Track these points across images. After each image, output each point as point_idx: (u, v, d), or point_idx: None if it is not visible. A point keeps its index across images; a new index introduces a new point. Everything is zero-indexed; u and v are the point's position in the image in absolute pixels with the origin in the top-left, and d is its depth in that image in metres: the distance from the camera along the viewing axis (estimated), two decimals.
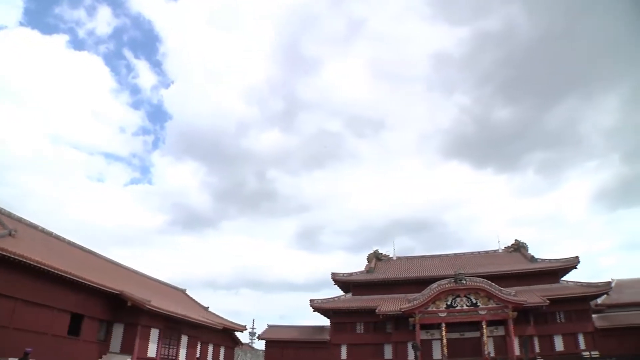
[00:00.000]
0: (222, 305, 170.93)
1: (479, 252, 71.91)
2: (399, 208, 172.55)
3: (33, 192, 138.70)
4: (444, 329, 52.60)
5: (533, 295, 54.37)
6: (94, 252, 43.34)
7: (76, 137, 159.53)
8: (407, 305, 53.42)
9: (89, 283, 30.43)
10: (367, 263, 70.64)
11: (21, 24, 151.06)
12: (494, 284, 52.99)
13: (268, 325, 65.76)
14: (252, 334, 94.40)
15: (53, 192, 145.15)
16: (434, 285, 53.82)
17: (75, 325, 30.80)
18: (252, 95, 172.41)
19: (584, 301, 56.27)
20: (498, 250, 71.57)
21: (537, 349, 54.57)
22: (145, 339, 36.37)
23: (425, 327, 54.34)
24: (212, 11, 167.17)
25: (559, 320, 56.32)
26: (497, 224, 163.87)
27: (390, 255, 73.70)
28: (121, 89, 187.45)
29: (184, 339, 43.58)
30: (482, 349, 51.80)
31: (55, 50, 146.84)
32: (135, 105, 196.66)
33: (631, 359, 49.53)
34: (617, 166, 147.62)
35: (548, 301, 52.66)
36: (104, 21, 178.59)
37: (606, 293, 58.15)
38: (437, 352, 53.95)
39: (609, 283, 58.70)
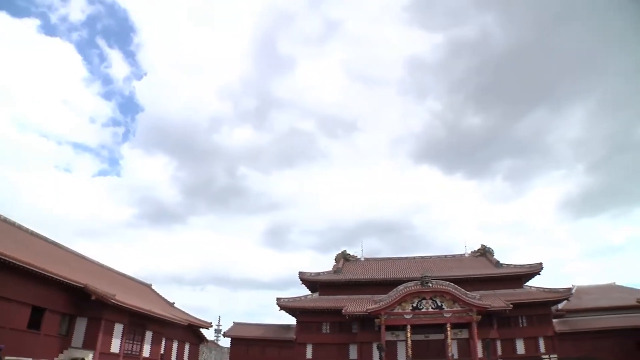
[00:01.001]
0: (188, 302, 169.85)
1: (445, 256, 72.89)
2: (368, 210, 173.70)
3: None
4: (409, 330, 53.03)
5: (497, 300, 55.41)
6: (58, 244, 42.31)
7: (44, 126, 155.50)
8: (374, 306, 53.74)
9: (52, 275, 29.65)
10: (334, 263, 70.78)
11: None
12: (459, 287, 53.69)
13: (234, 322, 65.34)
14: (217, 331, 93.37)
15: (18, 181, 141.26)
16: (401, 287, 54.27)
17: (35, 318, 29.99)
18: (225, 91, 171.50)
19: (545, 306, 57.72)
20: (465, 254, 72.68)
21: (500, 352, 55.64)
22: (109, 334, 35.80)
23: (390, 328, 54.72)
24: (189, 4, 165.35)
25: (521, 324, 57.54)
26: (465, 229, 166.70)
27: (358, 256, 74.02)
28: (93, 78, 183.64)
29: (149, 335, 43.10)
30: (446, 351, 52.42)
31: (26, 34, 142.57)
32: (107, 96, 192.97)
33: None
34: (581, 176, 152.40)
35: (511, 305, 53.83)
36: (77, 7, 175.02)
37: (567, 299, 59.99)
38: (401, 354, 54.52)
39: (569, 289, 60.55)
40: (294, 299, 62.33)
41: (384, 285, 58.87)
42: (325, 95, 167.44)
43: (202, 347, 62.33)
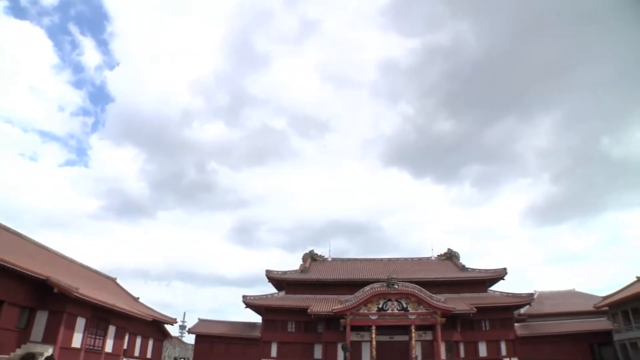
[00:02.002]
0: (153, 297, 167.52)
1: (412, 259, 73.70)
2: (337, 210, 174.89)
3: None
4: (374, 331, 53.40)
5: (461, 303, 56.27)
6: (20, 234, 41.18)
7: (10, 111, 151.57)
8: (339, 306, 53.94)
9: (12, 267, 28.75)
10: (302, 262, 70.74)
11: None
12: (425, 290, 54.33)
13: (199, 319, 64.81)
14: (182, 327, 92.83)
15: None
16: (367, 288, 54.61)
17: None
18: (198, 85, 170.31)
19: (508, 310, 59.11)
20: (431, 257, 73.66)
21: (462, 354, 56.82)
22: (71, 328, 35.01)
23: (355, 328, 55.05)
24: None
25: (484, 328, 58.75)
26: (432, 232, 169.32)
27: (326, 256, 74.14)
28: (63, 65, 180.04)
29: (112, 330, 42.33)
30: (410, 353, 53.02)
31: None
32: (77, 85, 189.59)
33: None
34: (546, 185, 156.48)
35: (475, 309, 54.82)
36: None
37: (529, 304, 61.70)
38: (366, 354, 54.83)
39: (532, 294, 62.28)
40: (260, 297, 62.07)
41: (351, 286, 59.14)
42: (298, 94, 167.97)
43: (166, 343, 61.70)
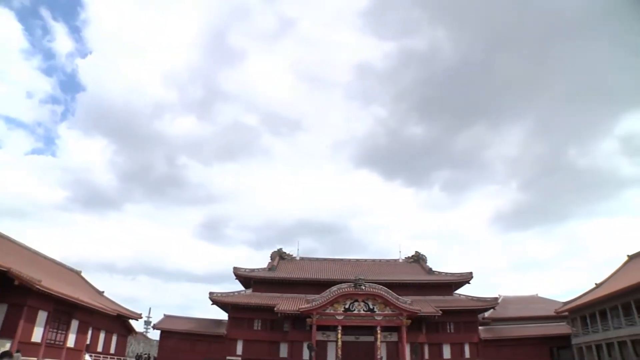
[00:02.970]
0: (119, 291, 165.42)
1: (380, 260, 74.38)
2: (306, 209, 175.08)
3: None
4: (340, 331, 53.69)
5: (427, 305, 57.02)
6: None
7: None
8: (306, 305, 54.06)
9: None
10: (270, 260, 70.67)
11: None
12: (391, 291, 54.85)
13: (165, 315, 64.20)
14: (147, 322, 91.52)
15: None
16: (334, 288, 54.86)
17: None
18: (171, 78, 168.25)
19: (473, 314, 60.21)
20: (399, 259, 74.50)
21: (427, 356, 57.48)
22: (31, 322, 34.17)
23: (322, 328, 55.30)
24: None
25: (449, 330, 59.72)
26: (401, 235, 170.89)
27: (294, 255, 74.23)
28: (33, 51, 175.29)
29: (75, 324, 41.49)
30: (375, 353, 53.46)
31: None
32: (47, 72, 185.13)
33: None
34: (514, 193, 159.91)
35: (440, 312, 55.70)
36: None
37: (493, 308, 62.87)
38: (331, 354, 55.09)
39: (496, 299, 63.55)
40: (227, 294, 61.75)
41: (318, 286, 59.35)
42: (272, 92, 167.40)
43: (131, 339, 60.97)
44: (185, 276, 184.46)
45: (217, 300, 60.15)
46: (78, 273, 56.54)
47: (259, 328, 59.65)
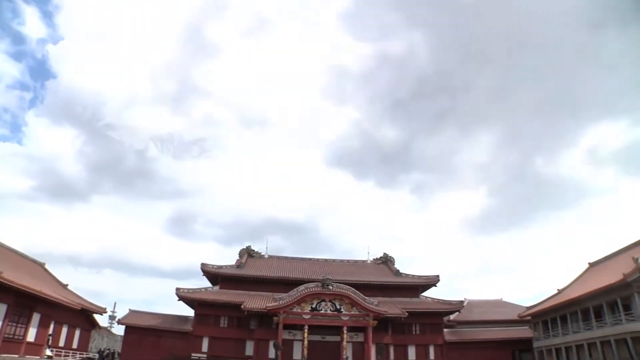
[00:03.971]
0: (83, 284, 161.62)
1: (348, 261, 74.80)
2: (276, 207, 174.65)
3: None
4: (306, 330, 53.75)
5: (394, 307, 57.59)
6: None
7: None
8: (273, 304, 53.97)
9: None
10: (238, 258, 70.22)
11: None
12: (359, 292, 55.14)
13: (130, 310, 63.14)
14: (112, 317, 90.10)
15: None
16: (301, 287, 54.89)
17: None
18: (145, 69, 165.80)
19: (438, 316, 61.06)
20: (367, 260, 75.05)
21: (392, 357, 57.97)
22: None
23: (288, 327, 55.28)
24: None
25: (414, 332, 60.47)
26: (370, 236, 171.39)
27: (262, 253, 73.93)
28: (1, 34, 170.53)
29: (36, 318, 40.81)
30: (341, 353, 53.74)
31: None
32: (16, 56, 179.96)
33: None
34: (483, 198, 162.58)
35: (407, 313, 56.38)
36: None
37: (458, 310, 63.88)
38: (297, 353, 55.14)
39: (462, 302, 64.62)
40: (194, 290, 61.22)
41: (286, 284, 59.31)
42: (246, 88, 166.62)
43: (94, 334, 60.23)
44: (152, 271, 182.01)
45: (183, 296, 59.58)
46: (42, 265, 55.63)
47: (226, 325, 59.26)
